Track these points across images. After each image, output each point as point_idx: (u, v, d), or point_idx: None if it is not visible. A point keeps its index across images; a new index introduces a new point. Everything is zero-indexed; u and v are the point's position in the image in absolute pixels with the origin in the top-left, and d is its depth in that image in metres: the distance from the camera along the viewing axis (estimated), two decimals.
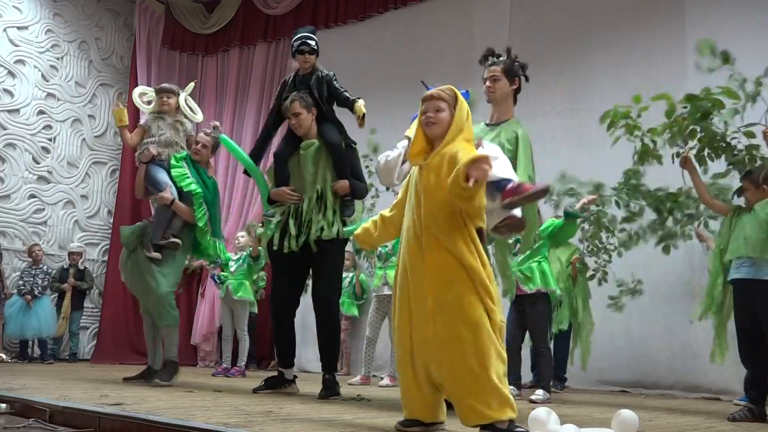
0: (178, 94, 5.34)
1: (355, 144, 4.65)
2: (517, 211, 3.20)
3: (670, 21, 6.52)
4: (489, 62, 3.77)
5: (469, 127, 2.73)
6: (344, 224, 4.45)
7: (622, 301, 5.60)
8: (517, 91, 3.81)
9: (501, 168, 3.31)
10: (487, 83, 3.75)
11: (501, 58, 3.76)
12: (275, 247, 4.42)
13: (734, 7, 6.21)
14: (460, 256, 2.48)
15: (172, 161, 5.01)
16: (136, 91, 5.53)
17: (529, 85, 3.94)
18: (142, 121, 5.37)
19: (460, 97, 2.73)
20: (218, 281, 7.32)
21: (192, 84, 5.65)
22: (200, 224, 4.90)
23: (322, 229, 4.31)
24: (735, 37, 5.88)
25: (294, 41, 4.63)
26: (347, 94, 4.53)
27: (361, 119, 4.38)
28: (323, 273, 4.39)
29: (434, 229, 2.54)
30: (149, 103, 5.37)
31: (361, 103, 4.41)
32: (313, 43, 4.58)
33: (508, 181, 3.25)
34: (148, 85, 5.67)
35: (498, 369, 2.43)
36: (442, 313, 2.46)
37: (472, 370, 2.39)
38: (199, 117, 5.53)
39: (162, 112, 5.23)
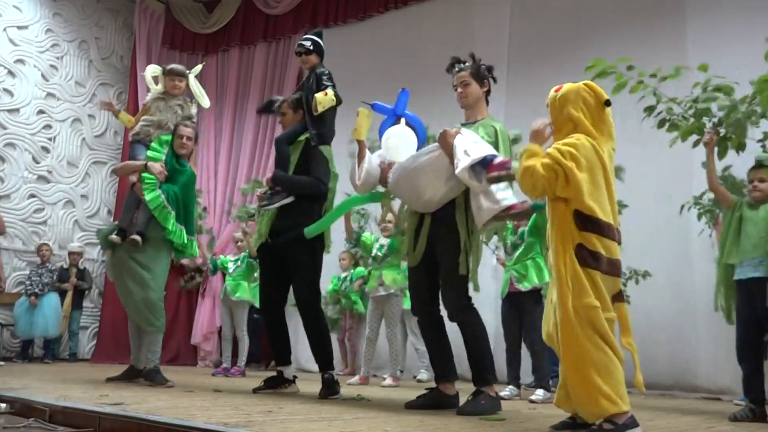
0: (187, 77, 5.31)
1: (320, 143, 4.48)
2: (521, 202, 3.28)
3: (670, 22, 6.51)
4: (456, 69, 3.82)
5: (581, 122, 2.71)
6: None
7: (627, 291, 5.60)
8: (488, 93, 3.84)
9: (483, 148, 3.36)
10: (459, 89, 3.79)
11: (467, 64, 3.81)
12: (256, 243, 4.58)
13: (734, 7, 6.21)
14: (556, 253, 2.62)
15: (154, 143, 4.97)
16: (149, 69, 5.47)
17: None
18: (146, 100, 5.34)
19: (552, 98, 2.78)
20: (213, 267, 7.37)
21: (200, 66, 5.61)
22: (168, 226, 4.80)
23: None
24: (735, 37, 5.91)
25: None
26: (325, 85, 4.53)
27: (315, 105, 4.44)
28: (296, 274, 4.39)
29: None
30: (155, 81, 5.33)
31: (321, 94, 4.42)
32: (308, 43, 4.66)
33: (495, 156, 3.31)
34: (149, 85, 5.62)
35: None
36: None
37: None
38: (207, 102, 5.50)
39: (170, 94, 5.20)
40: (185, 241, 4.93)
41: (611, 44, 6.83)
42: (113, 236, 4.83)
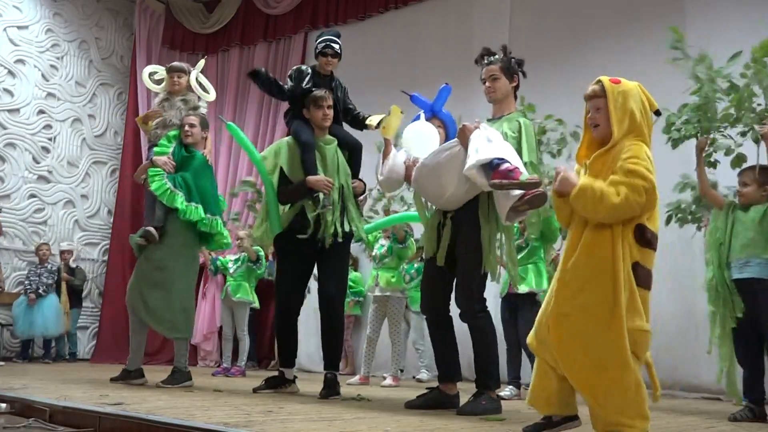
0: (189, 73, 5.30)
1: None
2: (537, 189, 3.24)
3: (670, 21, 6.49)
4: (486, 62, 3.75)
5: (639, 124, 2.48)
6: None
7: None
8: (516, 88, 3.81)
9: (498, 149, 3.33)
10: (487, 83, 3.72)
11: (497, 57, 3.74)
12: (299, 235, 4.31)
13: (734, 7, 6.21)
14: (605, 260, 2.36)
15: (162, 140, 4.94)
16: (146, 70, 5.44)
17: (528, 84, 3.94)
18: (153, 104, 5.34)
19: (613, 89, 2.50)
20: (213, 268, 7.37)
21: (202, 61, 5.60)
22: (177, 205, 4.60)
23: (350, 224, 4.37)
24: (734, 37, 5.90)
25: (318, 43, 4.67)
26: (359, 112, 4.69)
27: (377, 126, 4.52)
28: (332, 272, 4.38)
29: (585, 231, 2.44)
30: (160, 82, 5.31)
31: (373, 117, 4.59)
32: (337, 46, 4.64)
33: (502, 161, 3.26)
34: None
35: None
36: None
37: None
38: (212, 96, 5.45)
39: (172, 92, 5.18)
40: (202, 217, 4.66)
41: (611, 43, 6.85)
42: (138, 238, 4.74)
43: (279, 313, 4.53)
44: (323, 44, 4.61)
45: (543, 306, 2.52)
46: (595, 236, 2.40)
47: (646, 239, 2.40)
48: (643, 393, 2.35)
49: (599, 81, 2.56)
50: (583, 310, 2.36)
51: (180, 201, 4.62)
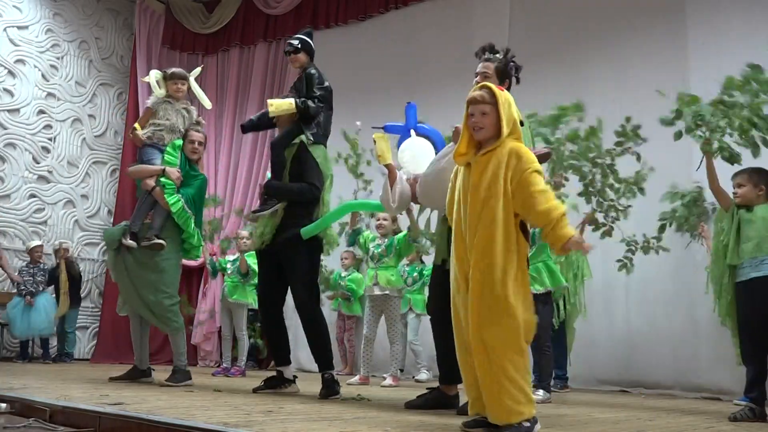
0: (189, 80, 5.35)
1: (311, 141, 4.46)
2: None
3: (670, 21, 6.51)
4: (485, 56, 3.71)
5: (517, 127, 2.76)
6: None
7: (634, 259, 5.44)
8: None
9: None
10: (477, 78, 3.67)
11: (497, 56, 3.70)
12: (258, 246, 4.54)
13: (734, 7, 6.21)
14: (497, 259, 2.60)
15: (168, 149, 4.99)
16: (152, 74, 5.44)
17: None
18: (149, 103, 5.35)
19: (501, 96, 2.72)
20: (212, 270, 7.36)
21: (198, 69, 5.62)
22: (188, 229, 4.88)
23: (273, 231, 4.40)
24: (735, 37, 5.91)
25: None
26: (310, 93, 4.55)
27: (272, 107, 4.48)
28: (293, 276, 4.40)
29: (478, 227, 2.63)
30: (158, 85, 5.33)
31: (282, 101, 4.50)
32: (296, 42, 4.68)
33: None
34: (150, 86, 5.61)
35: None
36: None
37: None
38: (209, 103, 5.53)
39: (173, 98, 5.22)
40: (201, 244, 5.03)
41: (611, 44, 6.85)
42: (129, 241, 4.83)
43: (261, 315, 4.70)
44: (285, 45, 4.74)
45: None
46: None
47: (524, 232, 2.74)
48: None
49: (486, 87, 2.75)
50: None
51: (191, 226, 4.91)
